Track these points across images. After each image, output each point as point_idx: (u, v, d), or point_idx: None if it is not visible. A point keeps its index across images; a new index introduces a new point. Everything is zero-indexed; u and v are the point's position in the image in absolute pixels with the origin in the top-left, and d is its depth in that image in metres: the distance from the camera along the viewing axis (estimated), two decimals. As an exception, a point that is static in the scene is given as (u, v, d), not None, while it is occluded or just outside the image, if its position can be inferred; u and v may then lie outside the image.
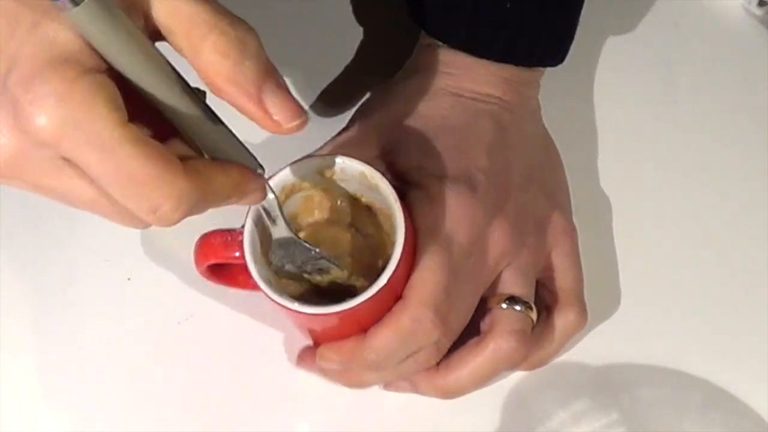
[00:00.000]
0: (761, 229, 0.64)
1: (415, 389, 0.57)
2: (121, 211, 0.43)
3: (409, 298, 0.52)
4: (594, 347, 0.60)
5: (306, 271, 0.54)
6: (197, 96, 0.44)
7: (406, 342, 0.52)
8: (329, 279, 0.55)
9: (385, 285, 0.51)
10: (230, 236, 0.54)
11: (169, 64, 0.43)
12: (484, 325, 0.56)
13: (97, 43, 0.41)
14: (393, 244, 0.52)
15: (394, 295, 0.53)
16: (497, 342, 0.54)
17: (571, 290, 0.58)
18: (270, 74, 0.43)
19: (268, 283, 0.52)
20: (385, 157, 0.57)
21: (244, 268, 0.52)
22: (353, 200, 0.56)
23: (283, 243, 0.53)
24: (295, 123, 0.44)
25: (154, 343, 0.59)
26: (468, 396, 0.57)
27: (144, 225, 0.44)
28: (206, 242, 0.55)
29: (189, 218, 0.60)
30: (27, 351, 0.58)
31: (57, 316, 0.60)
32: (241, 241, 0.53)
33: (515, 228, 0.56)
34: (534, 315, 0.56)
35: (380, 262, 0.54)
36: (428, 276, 0.52)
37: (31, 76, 0.40)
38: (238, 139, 0.46)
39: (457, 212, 0.54)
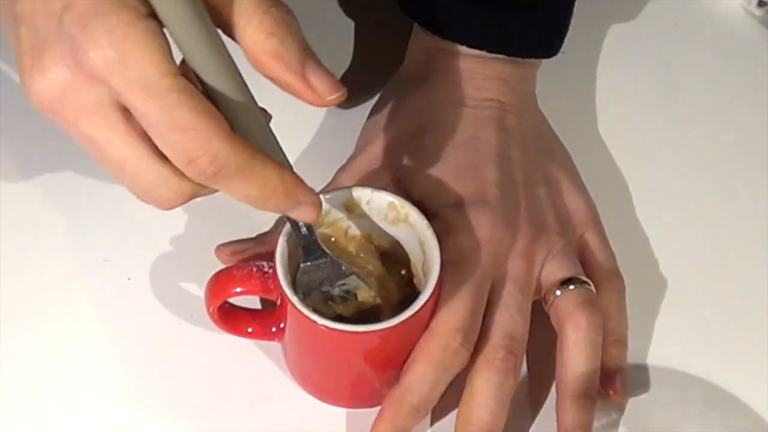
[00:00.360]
0: (762, 228, 0.64)
1: (582, 426, 0.56)
2: (146, 177, 0.44)
3: (435, 329, 0.53)
4: (594, 347, 0.60)
5: (332, 297, 0.55)
6: (252, 96, 0.45)
7: (441, 371, 0.53)
8: (353, 306, 0.55)
9: (423, 306, 0.52)
10: (255, 268, 0.54)
11: (230, 56, 0.44)
12: (554, 322, 0.57)
13: (164, 15, 0.42)
14: (423, 276, 0.54)
15: (425, 323, 0.54)
16: (572, 321, 0.55)
17: (612, 268, 0.59)
18: (310, 51, 0.45)
19: (302, 303, 0.52)
20: (397, 185, 0.58)
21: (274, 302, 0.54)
22: (366, 241, 0.57)
23: (311, 268, 0.53)
24: (335, 95, 0.45)
25: (154, 343, 0.59)
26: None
27: (166, 199, 0.46)
28: (226, 273, 0.55)
29: (192, 229, 0.60)
30: (27, 351, 0.58)
31: (57, 316, 0.60)
32: (265, 273, 0.53)
33: (538, 229, 0.57)
34: (592, 286, 0.57)
35: (384, 305, 0.56)
36: (453, 306, 0.53)
37: (88, 14, 0.41)
38: (280, 148, 0.47)
39: (476, 237, 0.55)
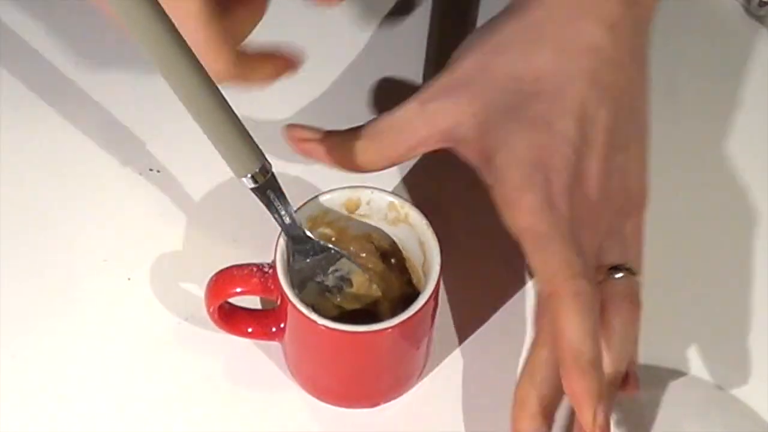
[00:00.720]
0: (761, 227, 0.64)
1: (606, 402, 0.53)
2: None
3: (551, 281, 0.51)
4: (594, 347, 0.60)
5: (328, 288, 0.55)
6: (216, 86, 0.46)
7: (587, 309, 0.50)
8: (351, 296, 0.55)
9: (423, 306, 0.52)
10: (255, 268, 0.54)
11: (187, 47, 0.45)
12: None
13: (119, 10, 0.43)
14: (423, 276, 0.54)
15: (425, 323, 0.54)
16: (616, 315, 0.54)
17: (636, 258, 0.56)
18: None
19: (303, 305, 0.52)
20: (477, 126, 0.55)
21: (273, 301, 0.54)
22: (366, 241, 0.57)
23: (301, 257, 0.54)
24: None
25: (154, 343, 0.59)
26: (467, 396, 0.57)
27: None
28: (226, 273, 0.54)
29: (192, 230, 0.60)
30: (27, 351, 0.58)
31: (57, 316, 0.60)
32: (265, 273, 0.53)
33: (605, 200, 0.54)
34: (639, 277, 0.55)
35: (385, 303, 0.56)
36: (551, 254, 0.51)
37: None
38: (247, 132, 0.48)
39: (543, 203, 0.52)
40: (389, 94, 0.68)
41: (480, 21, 0.69)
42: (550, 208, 0.52)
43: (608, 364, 0.53)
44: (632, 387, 0.56)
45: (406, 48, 0.70)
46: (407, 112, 0.56)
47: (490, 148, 0.54)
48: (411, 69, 0.70)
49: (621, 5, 0.56)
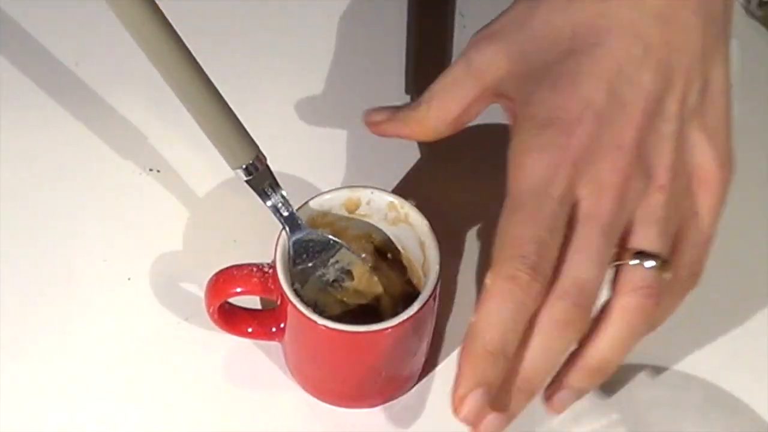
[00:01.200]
0: (761, 228, 0.64)
1: (573, 390, 0.49)
2: None
3: (496, 260, 0.47)
4: (594, 347, 0.60)
5: (330, 283, 0.55)
6: (210, 81, 0.47)
7: (511, 306, 0.46)
8: (352, 291, 0.55)
9: (423, 306, 0.52)
10: (255, 268, 0.54)
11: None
12: (612, 285, 0.49)
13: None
14: (423, 276, 0.54)
15: (425, 323, 0.54)
16: (620, 300, 0.48)
17: (693, 248, 0.51)
18: None
19: (302, 304, 0.52)
20: (510, 80, 0.52)
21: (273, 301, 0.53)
22: (366, 241, 0.57)
23: (301, 251, 0.54)
24: None
25: (154, 343, 0.59)
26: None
27: None
28: (226, 273, 0.54)
29: (192, 230, 0.60)
30: (27, 351, 0.58)
31: (57, 316, 0.60)
32: (265, 273, 0.53)
33: (639, 169, 0.48)
34: (668, 274, 0.49)
35: (386, 301, 0.56)
36: (512, 230, 0.47)
37: None
38: (240, 124, 0.49)
39: (546, 157, 0.48)
40: (392, 89, 0.68)
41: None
42: (542, 177, 0.48)
43: (601, 356, 0.49)
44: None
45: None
46: (455, 72, 0.54)
47: (518, 104, 0.51)
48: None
49: None
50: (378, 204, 0.55)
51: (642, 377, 0.59)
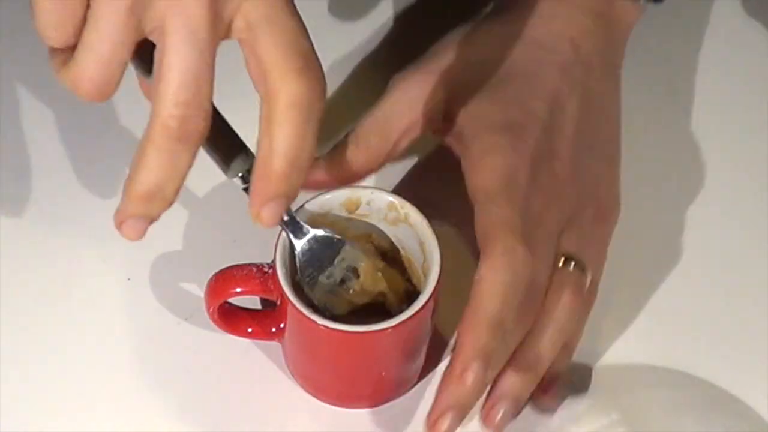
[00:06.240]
0: (761, 229, 0.64)
1: (511, 397, 0.54)
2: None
3: (489, 239, 0.51)
4: (594, 348, 0.60)
5: (339, 282, 0.55)
6: None
7: (512, 279, 0.50)
8: (360, 291, 0.55)
9: (423, 306, 0.52)
10: (255, 268, 0.54)
11: None
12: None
13: None
14: (423, 276, 0.54)
15: (425, 323, 0.54)
16: (552, 299, 0.54)
17: (594, 269, 0.56)
18: None
19: (302, 304, 0.52)
20: (450, 102, 0.57)
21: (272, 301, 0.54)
22: (366, 241, 0.57)
23: (306, 252, 0.53)
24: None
25: (154, 343, 0.59)
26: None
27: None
28: (226, 273, 0.54)
29: (192, 230, 0.60)
30: (27, 351, 0.58)
31: (57, 316, 0.60)
32: (265, 273, 0.53)
33: (573, 178, 0.55)
34: (588, 278, 0.55)
35: (391, 296, 0.56)
36: (501, 214, 0.52)
37: None
38: (234, 133, 0.49)
39: (510, 160, 0.53)
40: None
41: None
42: (509, 173, 0.53)
43: (536, 352, 0.53)
44: (551, 398, 0.56)
45: (405, 45, 0.70)
46: (386, 108, 0.57)
47: (461, 123, 0.56)
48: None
49: (597, 17, 0.59)
50: (378, 204, 0.55)
51: (642, 377, 0.59)
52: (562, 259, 0.54)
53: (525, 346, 0.54)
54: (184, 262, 0.62)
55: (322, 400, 0.57)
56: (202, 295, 0.55)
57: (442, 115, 0.57)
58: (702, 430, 0.57)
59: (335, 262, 0.55)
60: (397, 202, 0.55)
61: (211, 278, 0.55)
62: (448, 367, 0.51)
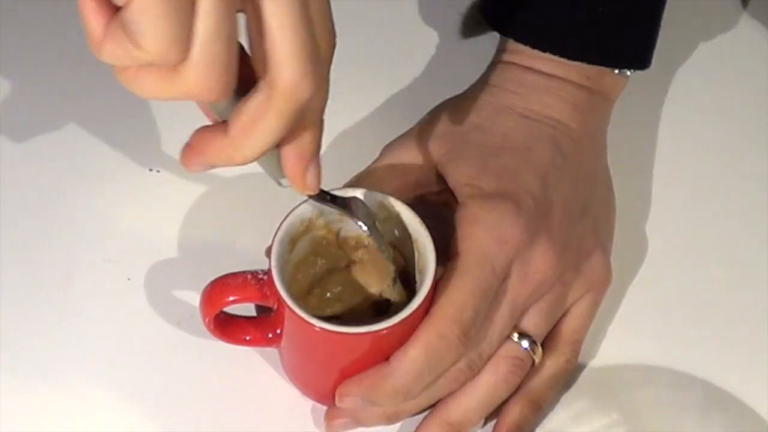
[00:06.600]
0: (761, 229, 0.64)
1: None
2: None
3: (434, 315, 0.52)
4: (594, 347, 0.60)
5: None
6: None
7: (433, 361, 0.52)
8: (363, 266, 0.55)
9: (420, 306, 0.51)
10: (249, 275, 0.54)
11: None
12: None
13: None
14: (420, 272, 0.53)
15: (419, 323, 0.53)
16: (493, 365, 0.55)
17: (574, 340, 0.57)
18: None
19: (298, 307, 0.51)
20: (442, 168, 0.58)
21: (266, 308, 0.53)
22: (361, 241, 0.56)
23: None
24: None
25: (153, 344, 0.59)
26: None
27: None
28: (220, 283, 0.54)
29: (192, 230, 0.60)
30: (27, 351, 0.58)
31: (57, 316, 0.60)
32: (260, 279, 0.53)
33: (560, 257, 0.55)
34: (538, 356, 0.56)
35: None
36: (456, 295, 0.52)
37: None
38: None
39: (496, 232, 0.54)
40: (393, 89, 0.68)
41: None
42: (492, 251, 0.53)
43: (451, 408, 0.55)
44: None
45: (412, 55, 0.70)
46: (378, 172, 0.58)
47: (455, 185, 0.57)
48: (417, 71, 0.70)
49: (584, 91, 0.60)
50: (370, 204, 0.55)
51: (642, 377, 0.59)
52: (516, 335, 0.55)
53: (450, 401, 0.55)
54: (185, 263, 0.62)
55: (320, 402, 0.57)
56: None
57: (438, 180, 0.58)
58: (702, 430, 0.57)
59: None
60: (386, 202, 0.54)
61: (205, 288, 0.54)
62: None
